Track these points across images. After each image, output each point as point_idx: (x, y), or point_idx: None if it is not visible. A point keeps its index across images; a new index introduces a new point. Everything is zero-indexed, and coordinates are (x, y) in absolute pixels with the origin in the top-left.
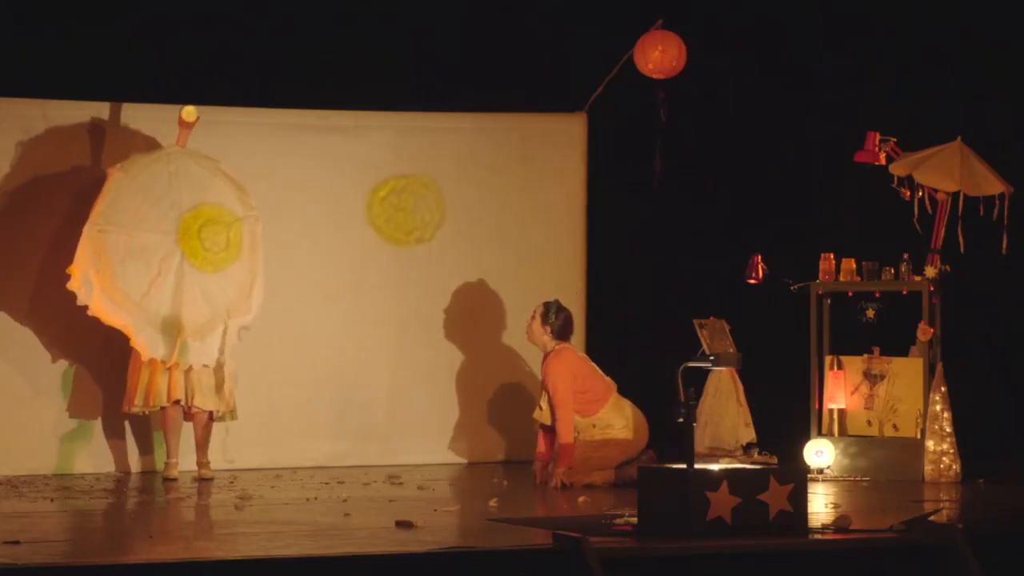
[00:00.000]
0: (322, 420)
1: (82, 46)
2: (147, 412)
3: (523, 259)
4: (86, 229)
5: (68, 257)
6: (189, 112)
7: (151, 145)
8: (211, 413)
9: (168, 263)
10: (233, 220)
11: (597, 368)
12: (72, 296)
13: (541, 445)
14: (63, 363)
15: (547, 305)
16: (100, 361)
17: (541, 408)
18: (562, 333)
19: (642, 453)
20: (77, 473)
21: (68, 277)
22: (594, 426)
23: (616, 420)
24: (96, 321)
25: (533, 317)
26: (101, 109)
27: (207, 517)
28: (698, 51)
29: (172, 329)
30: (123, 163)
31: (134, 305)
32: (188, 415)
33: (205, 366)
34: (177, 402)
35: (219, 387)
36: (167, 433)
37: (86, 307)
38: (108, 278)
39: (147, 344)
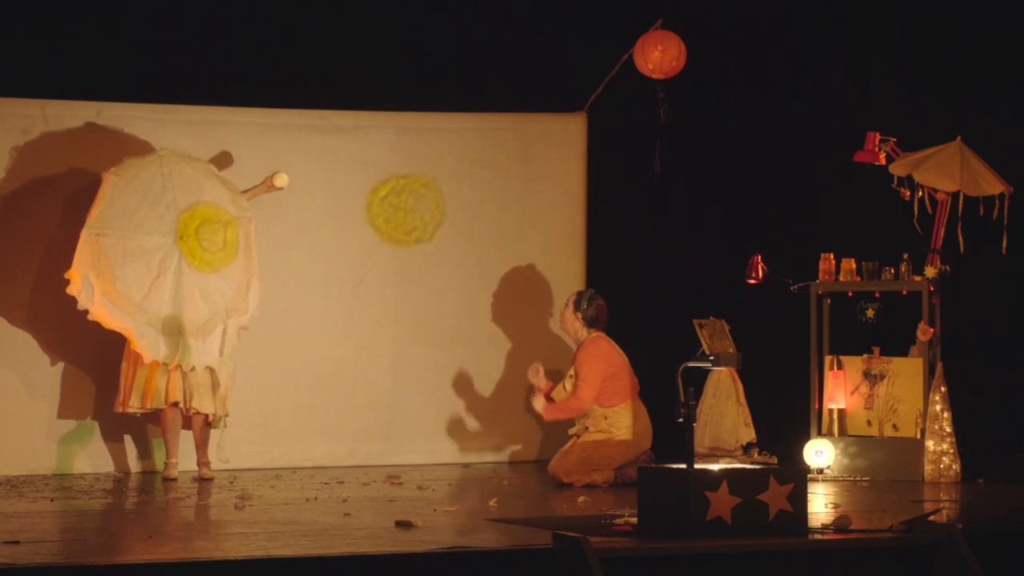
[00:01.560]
0: (322, 420)
1: (82, 46)
2: (142, 413)
3: (523, 259)
4: (83, 233)
5: (66, 259)
6: (283, 179)
7: (147, 147)
8: (207, 416)
9: (166, 264)
10: (229, 220)
11: (629, 365)
12: (69, 297)
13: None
14: (63, 364)
15: (580, 293)
16: (99, 362)
17: (565, 388)
18: (595, 322)
19: (641, 455)
20: (76, 473)
21: (66, 278)
22: (605, 418)
23: (625, 421)
24: (93, 322)
25: (566, 306)
26: (101, 109)
27: (206, 517)
28: (698, 51)
29: (173, 330)
30: (117, 167)
31: (135, 307)
32: (187, 418)
33: (206, 367)
34: (175, 404)
35: (215, 388)
36: (166, 434)
37: (86, 311)
38: (108, 281)
39: (148, 347)
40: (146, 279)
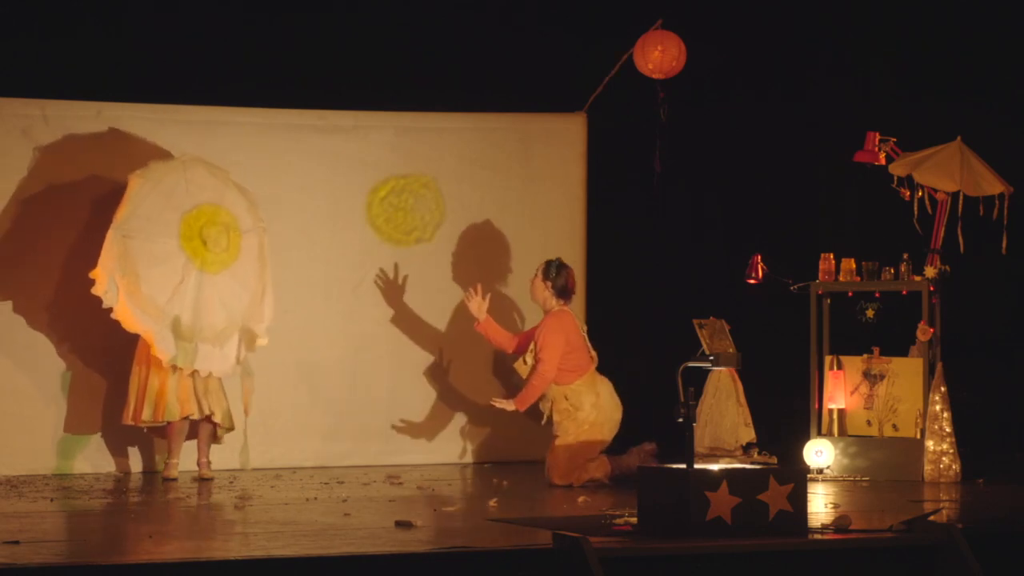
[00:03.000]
0: (322, 420)
1: (82, 46)
2: (153, 426)
3: (523, 259)
4: (110, 234)
5: (75, 262)
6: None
7: (162, 152)
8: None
9: (189, 268)
10: (235, 225)
11: (587, 340)
12: (79, 301)
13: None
14: (65, 364)
15: (548, 263)
16: (109, 370)
17: (526, 362)
18: (563, 292)
19: (639, 446)
20: (77, 473)
21: (74, 281)
22: (566, 398)
23: (586, 399)
24: (101, 326)
25: (535, 275)
26: (101, 109)
27: (207, 517)
28: (698, 51)
29: (192, 335)
30: (142, 169)
31: (157, 310)
32: (193, 424)
33: (211, 373)
34: (186, 418)
35: (225, 395)
36: (170, 436)
37: (106, 311)
38: (133, 282)
39: (167, 351)
40: (170, 283)
